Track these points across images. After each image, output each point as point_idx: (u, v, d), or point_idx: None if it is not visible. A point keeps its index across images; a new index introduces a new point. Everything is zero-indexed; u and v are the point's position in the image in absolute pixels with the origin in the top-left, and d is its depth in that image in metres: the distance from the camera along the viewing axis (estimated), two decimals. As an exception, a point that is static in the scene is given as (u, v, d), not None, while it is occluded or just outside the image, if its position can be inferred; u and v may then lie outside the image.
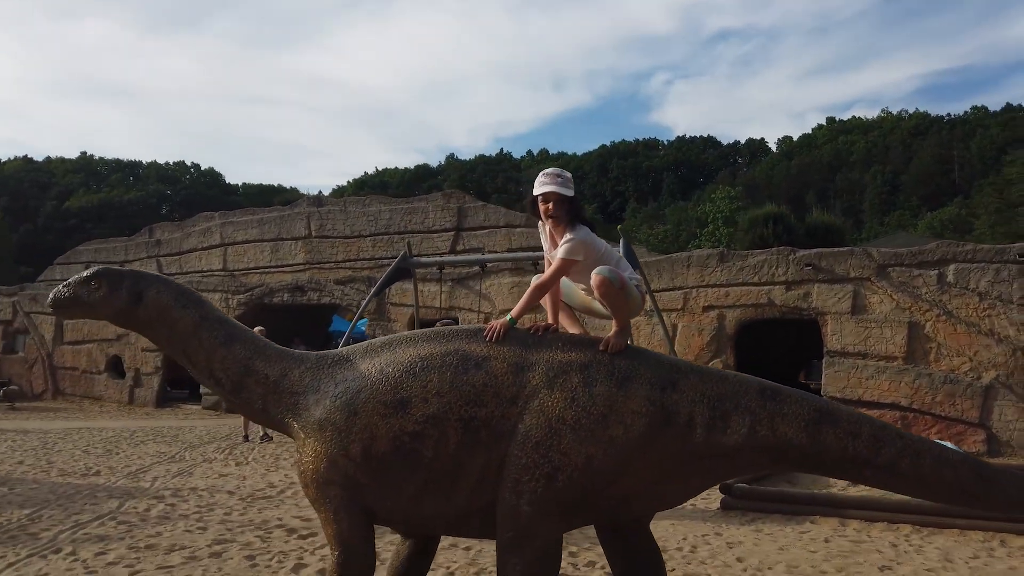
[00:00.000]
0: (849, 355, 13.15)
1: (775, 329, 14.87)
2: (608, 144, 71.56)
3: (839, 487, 8.94)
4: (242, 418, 13.00)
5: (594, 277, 3.61)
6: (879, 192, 66.52)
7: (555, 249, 3.86)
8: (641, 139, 75.48)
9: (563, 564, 4.99)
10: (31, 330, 21.98)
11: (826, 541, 6.44)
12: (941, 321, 12.59)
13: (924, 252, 13.13)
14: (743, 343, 14.28)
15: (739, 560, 5.82)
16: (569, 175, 3.97)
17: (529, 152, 79.01)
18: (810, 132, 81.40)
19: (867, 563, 5.77)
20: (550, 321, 3.96)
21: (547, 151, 77.94)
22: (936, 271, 12.76)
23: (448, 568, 5.45)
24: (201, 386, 19.63)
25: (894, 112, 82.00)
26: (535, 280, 3.99)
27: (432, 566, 4.69)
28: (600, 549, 5.81)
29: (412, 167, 72.03)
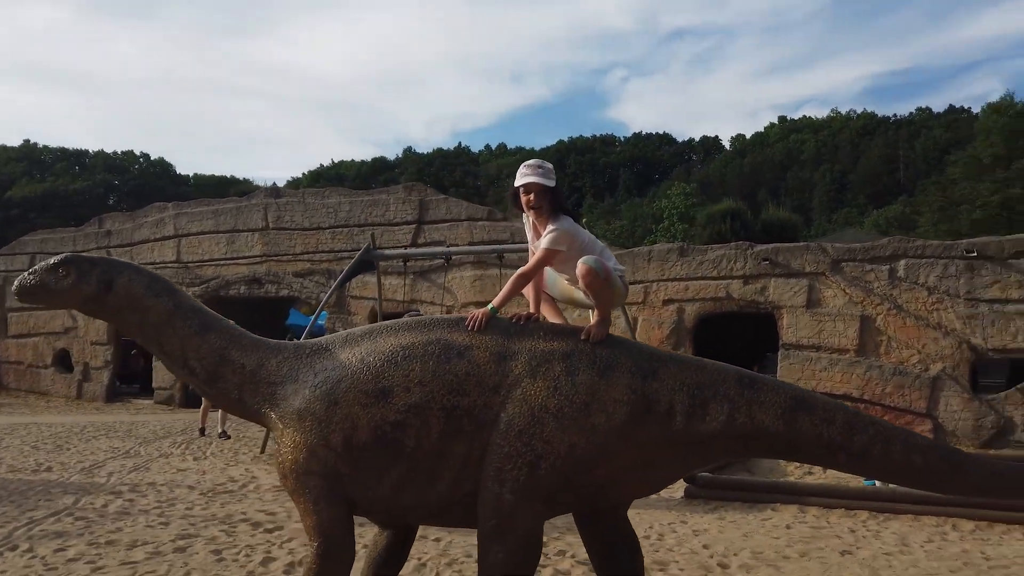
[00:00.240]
0: (804, 348, 13.46)
1: (733, 323, 15.13)
2: (566, 139, 71.97)
3: (796, 475, 9.18)
4: (200, 412, 12.71)
5: (580, 266, 3.63)
6: (828, 190, 68.13)
7: (538, 240, 3.87)
8: (598, 135, 76.08)
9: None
10: (-28, 323, 21.20)
11: (787, 527, 6.60)
12: (891, 315, 12.97)
13: (876, 248, 13.50)
14: (702, 336, 14.51)
15: (705, 547, 5.93)
16: (550, 166, 3.99)
17: (487, 146, 78.98)
18: (762, 131, 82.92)
19: (828, 548, 5.94)
20: (532, 311, 3.97)
21: (505, 145, 77.98)
22: (887, 266, 13.14)
23: (420, 559, 5.43)
24: (154, 381, 19.18)
25: (843, 112, 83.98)
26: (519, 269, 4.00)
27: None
28: (571, 538, 5.89)
29: (369, 159, 71.36)
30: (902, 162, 69.45)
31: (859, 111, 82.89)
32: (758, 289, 13.84)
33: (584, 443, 3.52)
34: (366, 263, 11.23)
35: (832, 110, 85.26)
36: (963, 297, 12.58)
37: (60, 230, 24.53)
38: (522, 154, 71.77)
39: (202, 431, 12.48)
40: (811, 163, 74.90)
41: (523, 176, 3.89)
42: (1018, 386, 12.18)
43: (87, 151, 62.45)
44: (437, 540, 5.91)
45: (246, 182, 61.09)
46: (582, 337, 3.73)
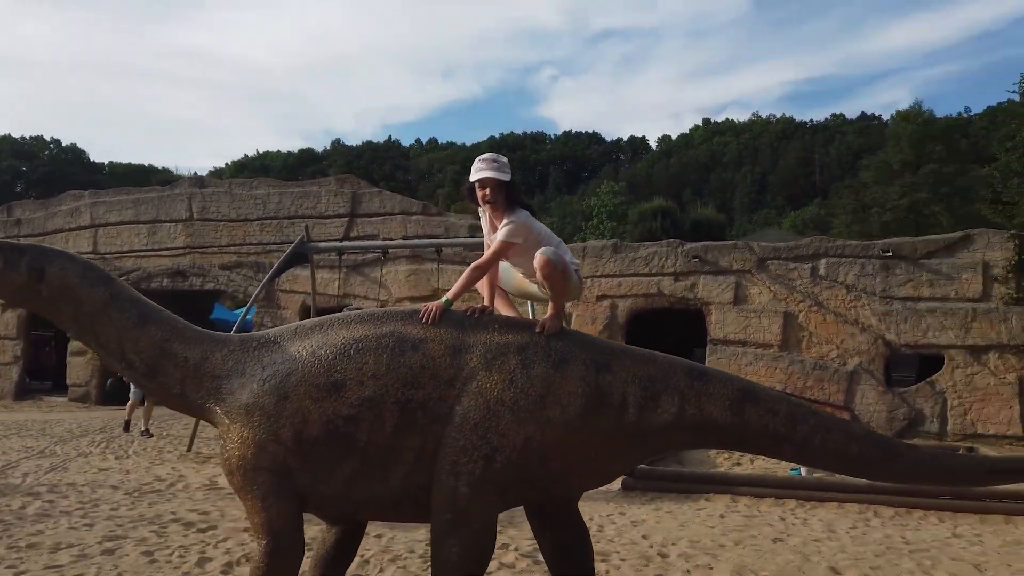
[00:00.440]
0: (730, 343, 13.88)
1: (663, 318, 15.47)
2: (497, 136, 72.12)
3: (726, 466, 9.46)
4: (127, 407, 12.15)
5: (538, 257, 3.64)
6: (749, 191, 70.38)
7: (494, 234, 3.86)
8: (529, 132, 76.58)
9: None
10: None
11: (721, 517, 6.80)
12: (813, 311, 13.51)
13: (799, 247, 14.04)
14: (634, 332, 14.78)
15: (644, 537, 6.05)
16: (505, 160, 3.98)
17: (418, 140, 78.38)
18: (687, 132, 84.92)
19: (761, 536, 6.14)
20: (486, 304, 3.96)
21: (436, 140, 77.56)
22: (809, 265, 13.68)
23: (362, 556, 5.35)
24: (68, 377, 18.31)
25: (763, 116, 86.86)
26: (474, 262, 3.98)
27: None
28: (512, 531, 5.92)
29: (296, 151, 69.92)
30: (818, 165, 72.35)
31: (778, 115, 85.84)
32: (688, 286, 14.20)
33: (539, 435, 3.53)
34: (299, 256, 10.99)
35: (753, 114, 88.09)
36: (879, 295, 13.22)
37: (-37, 218, 23.12)
38: (453, 149, 71.56)
39: (126, 427, 11.98)
40: (733, 165, 77.17)
41: (478, 171, 3.86)
42: (928, 380, 12.89)
43: (-9, 135, 59.08)
44: (379, 536, 5.84)
45: (166, 171, 58.93)
46: (537, 330, 3.74)
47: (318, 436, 3.49)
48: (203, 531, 6.01)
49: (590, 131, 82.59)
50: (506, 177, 3.87)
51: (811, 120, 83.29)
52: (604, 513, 6.87)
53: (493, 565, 5.23)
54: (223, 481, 8.21)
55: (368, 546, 5.58)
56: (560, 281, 3.71)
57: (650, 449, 3.92)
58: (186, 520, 6.35)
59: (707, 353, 14.00)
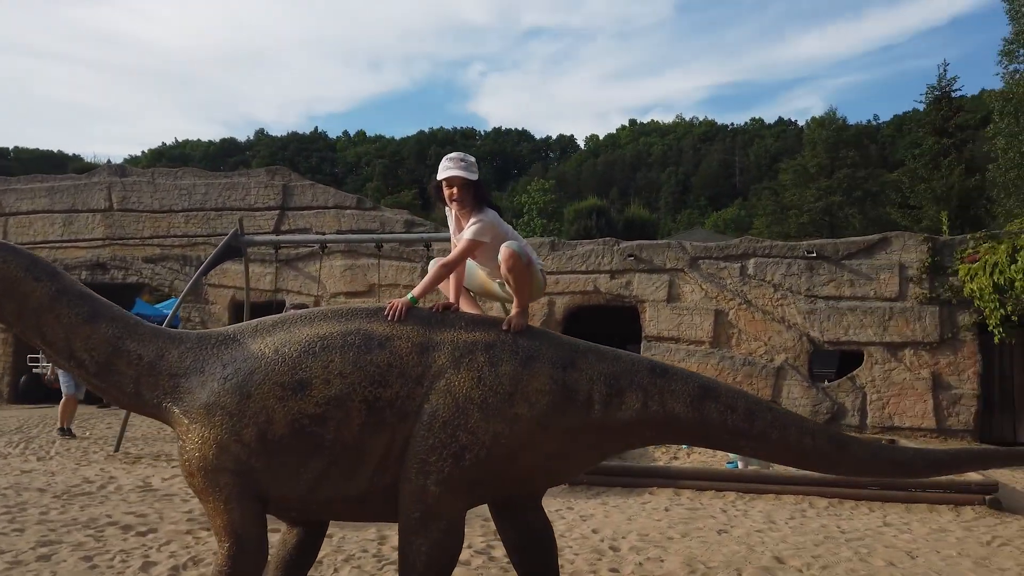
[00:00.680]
0: (664, 340, 14.20)
1: (599, 315, 15.68)
2: (426, 130, 71.62)
3: (665, 460, 9.68)
4: (60, 409, 11.28)
5: (503, 250, 3.65)
6: (673, 191, 72.05)
7: (460, 232, 3.85)
8: (459, 128, 76.27)
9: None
10: None
11: (666, 510, 6.96)
12: (742, 309, 13.95)
13: (730, 247, 14.46)
14: (570, 329, 14.93)
15: (594, 532, 6.14)
16: (472, 159, 3.98)
17: (345, 132, 77.03)
18: (614, 132, 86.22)
19: (706, 527, 6.32)
20: (451, 301, 3.95)
21: (364, 132, 76.40)
22: (739, 264, 14.11)
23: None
24: (-26, 374, 17.26)
25: (687, 118, 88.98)
26: (435, 260, 3.96)
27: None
28: (466, 529, 5.91)
29: (218, 140, 67.70)
30: (738, 167, 74.75)
31: (701, 118, 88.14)
32: (624, 284, 14.45)
33: (508, 433, 3.55)
34: (233, 249, 10.65)
35: (677, 116, 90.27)
36: (803, 294, 13.75)
37: None
38: (382, 142, 70.65)
39: (66, 430, 11.18)
40: (658, 165, 78.79)
41: (445, 170, 3.86)
42: (848, 375, 13.49)
43: None
44: (330, 536, 5.74)
45: (78, 158, 56.17)
46: (503, 328, 3.76)
47: (283, 436, 3.42)
48: (143, 534, 5.79)
49: (519, 128, 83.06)
50: (473, 177, 3.87)
51: (732, 123, 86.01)
52: (552, 508, 6.93)
53: (448, 563, 5.20)
54: (156, 482, 7.91)
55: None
56: (524, 275, 3.75)
57: (615, 445, 3.98)
58: (123, 523, 6.09)
59: (641, 350, 14.27)
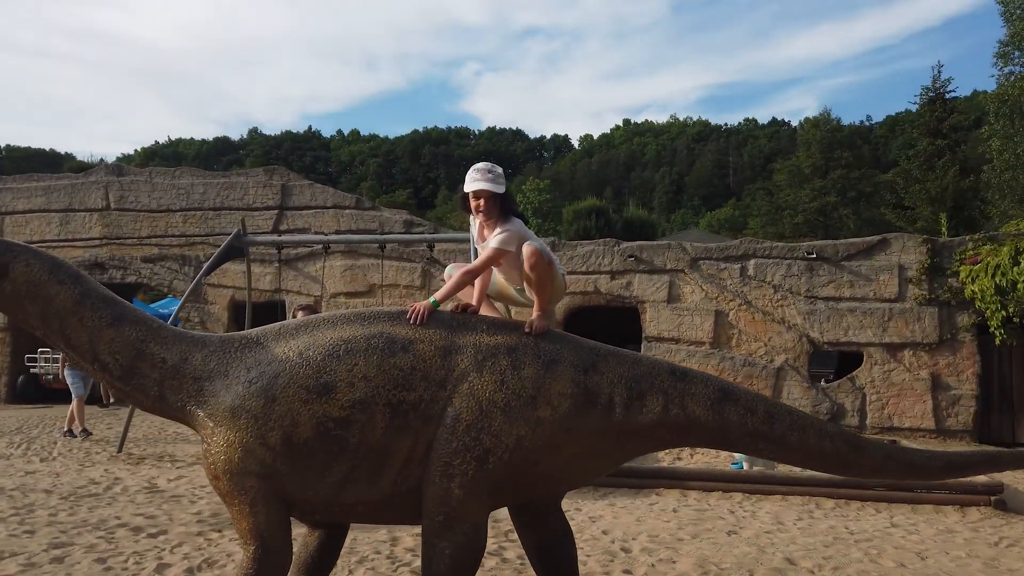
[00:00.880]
0: (664, 340, 14.25)
1: (599, 316, 15.71)
2: (421, 130, 71.50)
3: (668, 461, 9.71)
4: (76, 410, 11.10)
5: (526, 248, 3.67)
6: (667, 191, 72.15)
7: (483, 241, 3.89)
8: (453, 127, 76.24)
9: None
10: None
11: (674, 511, 6.99)
12: (742, 310, 14.00)
13: (730, 247, 14.52)
14: (570, 329, 14.96)
15: (604, 533, 6.17)
16: (500, 171, 3.99)
17: (340, 131, 76.83)
18: (608, 132, 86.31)
19: (715, 529, 6.35)
20: (474, 304, 3.96)
21: (358, 131, 76.20)
22: (739, 265, 14.16)
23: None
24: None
25: (680, 118, 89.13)
26: (454, 266, 3.98)
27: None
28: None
29: (211, 139, 67.45)
30: (731, 167, 74.94)
31: (695, 118, 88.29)
32: (624, 284, 14.48)
33: (531, 436, 3.56)
34: (235, 250, 10.64)
35: (671, 116, 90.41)
36: (803, 295, 13.81)
37: None
38: (376, 141, 70.49)
39: (84, 431, 11.11)
40: (652, 165, 78.86)
41: (473, 181, 3.86)
42: (848, 376, 13.56)
43: None
44: (341, 538, 5.74)
45: (70, 156, 55.86)
46: (525, 331, 3.78)
47: (308, 439, 3.43)
48: (154, 536, 5.78)
49: (514, 128, 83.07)
50: (500, 190, 3.88)
51: (725, 124, 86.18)
52: (560, 509, 6.95)
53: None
54: (162, 484, 7.90)
55: (331, 548, 5.48)
56: (546, 275, 3.77)
57: (635, 448, 4.00)
58: (133, 525, 6.08)
59: (641, 351, 14.31)
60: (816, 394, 13.46)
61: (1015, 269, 10.90)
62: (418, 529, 5.87)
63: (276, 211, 17.24)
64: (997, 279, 11.39)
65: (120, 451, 9.77)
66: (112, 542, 5.58)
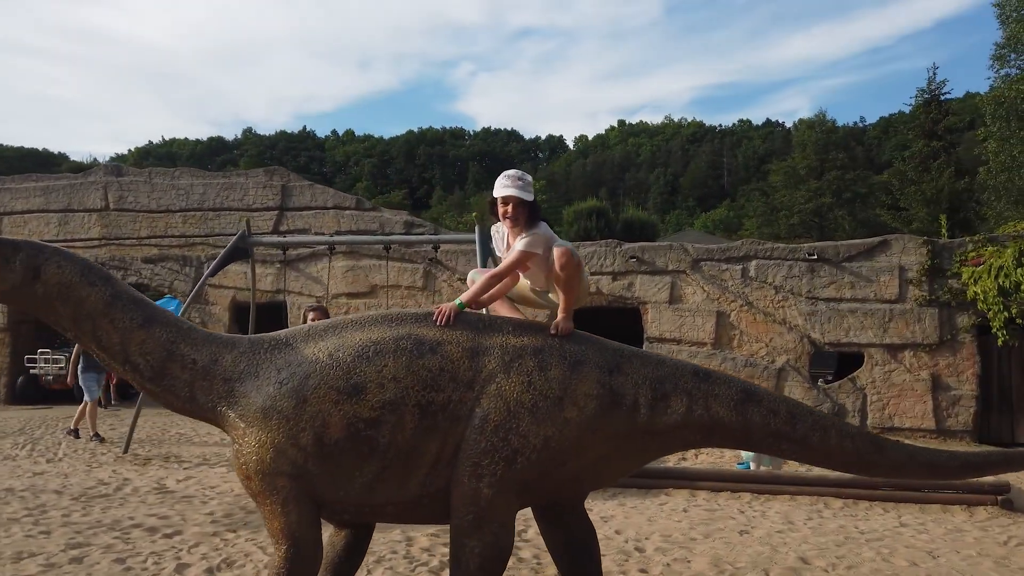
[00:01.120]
0: (666, 341, 14.30)
1: (601, 317, 15.75)
2: (415, 130, 71.44)
3: (674, 461, 9.76)
4: (89, 414, 10.94)
5: (557, 249, 3.72)
6: (661, 192, 72.27)
7: (507, 250, 3.94)
8: (448, 128, 76.18)
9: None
10: None
11: (685, 511, 7.04)
12: (744, 311, 14.07)
13: (731, 248, 14.59)
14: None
15: (617, 532, 6.21)
16: (530, 178, 4.03)
17: (334, 131, 76.70)
18: (603, 132, 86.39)
19: (727, 528, 6.40)
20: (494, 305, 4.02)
21: (353, 132, 76.11)
22: (740, 266, 14.23)
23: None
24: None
25: (675, 119, 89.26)
26: (477, 271, 4.03)
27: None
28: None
29: (205, 138, 67.22)
30: (726, 168, 75.13)
31: (689, 119, 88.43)
32: (626, 285, 14.54)
33: (558, 436, 3.61)
34: (240, 251, 10.64)
35: (666, 116, 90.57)
36: (804, 296, 13.89)
37: None
38: (371, 142, 70.39)
39: (96, 436, 10.93)
40: (647, 166, 78.93)
41: (503, 187, 3.90)
42: (849, 376, 13.65)
43: None
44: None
45: (63, 156, 55.62)
46: (551, 332, 3.82)
47: (339, 440, 3.46)
48: (169, 536, 5.80)
49: (509, 128, 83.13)
50: (529, 197, 3.92)
51: (720, 124, 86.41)
52: (571, 509, 6.99)
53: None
54: (172, 484, 7.90)
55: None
56: (575, 277, 3.82)
57: (659, 448, 4.04)
58: (147, 525, 6.10)
59: (643, 351, 14.36)
60: (817, 395, 13.53)
61: (1019, 271, 11.00)
62: (432, 529, 5.93)
63: (276, 212, 17.23)
64: (1000, 280, 11.49)
65: (126, 452, 9.76)
66: (129, 542, 5.59)
